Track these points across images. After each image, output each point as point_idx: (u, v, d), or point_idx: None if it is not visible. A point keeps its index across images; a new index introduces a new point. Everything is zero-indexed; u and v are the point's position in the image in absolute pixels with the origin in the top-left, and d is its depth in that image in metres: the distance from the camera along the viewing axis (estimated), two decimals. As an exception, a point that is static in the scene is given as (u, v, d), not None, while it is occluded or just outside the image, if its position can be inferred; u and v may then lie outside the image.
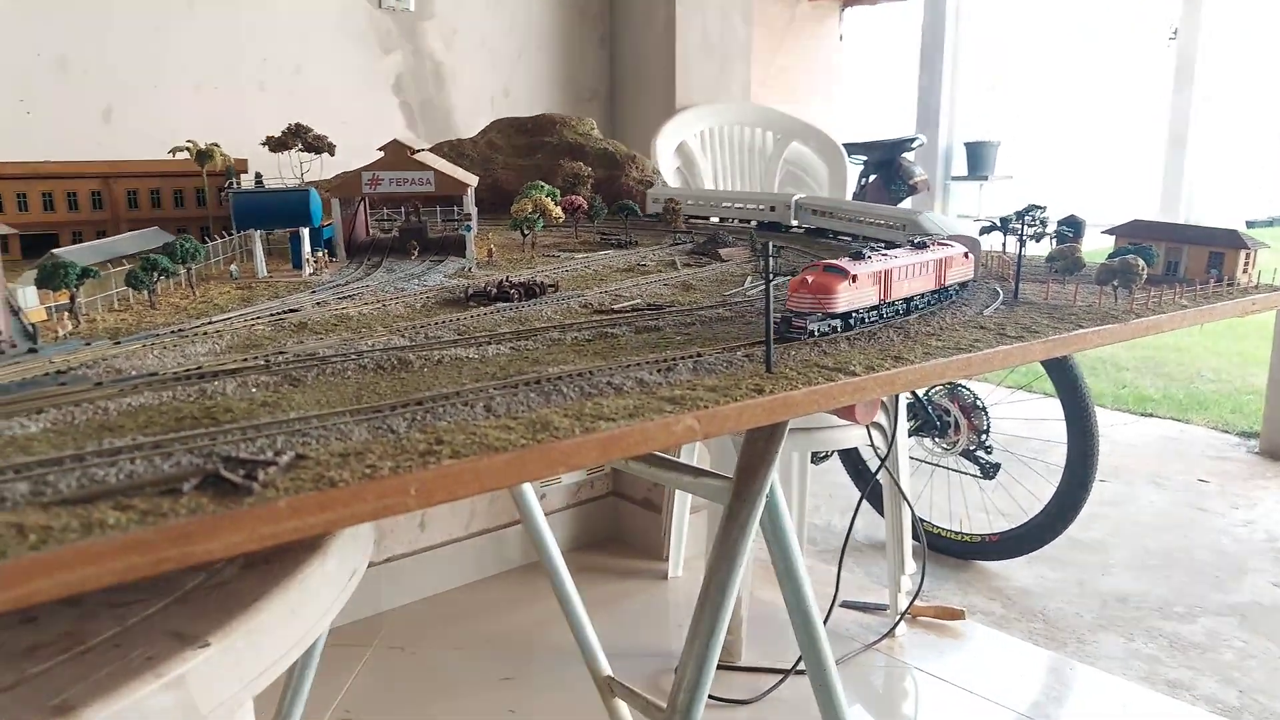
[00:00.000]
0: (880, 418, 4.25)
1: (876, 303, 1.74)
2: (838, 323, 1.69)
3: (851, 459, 5.75)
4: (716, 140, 4.91)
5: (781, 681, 4.20)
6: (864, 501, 4.70)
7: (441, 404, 1.27)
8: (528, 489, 3.58)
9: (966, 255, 2.02)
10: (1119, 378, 9.32)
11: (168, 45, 3.98)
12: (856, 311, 1.72)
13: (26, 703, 1.15)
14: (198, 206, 2.76)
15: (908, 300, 1.85)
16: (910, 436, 5.18)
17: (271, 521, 0.97)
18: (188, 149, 2.59)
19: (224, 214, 2.77)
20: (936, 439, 5.30)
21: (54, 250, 1.90)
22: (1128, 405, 8.46)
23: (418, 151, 2.66)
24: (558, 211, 2.73)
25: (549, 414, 1.26)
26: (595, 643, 3.81)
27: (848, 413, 1.96)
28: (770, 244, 1.47)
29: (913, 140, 6.34)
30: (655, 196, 3.22)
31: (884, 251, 1.87)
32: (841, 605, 4.83)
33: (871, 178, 6.34)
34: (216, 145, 2.63)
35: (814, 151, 4.97)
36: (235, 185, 2.58)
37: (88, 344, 1.58)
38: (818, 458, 6.10)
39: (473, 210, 2.70)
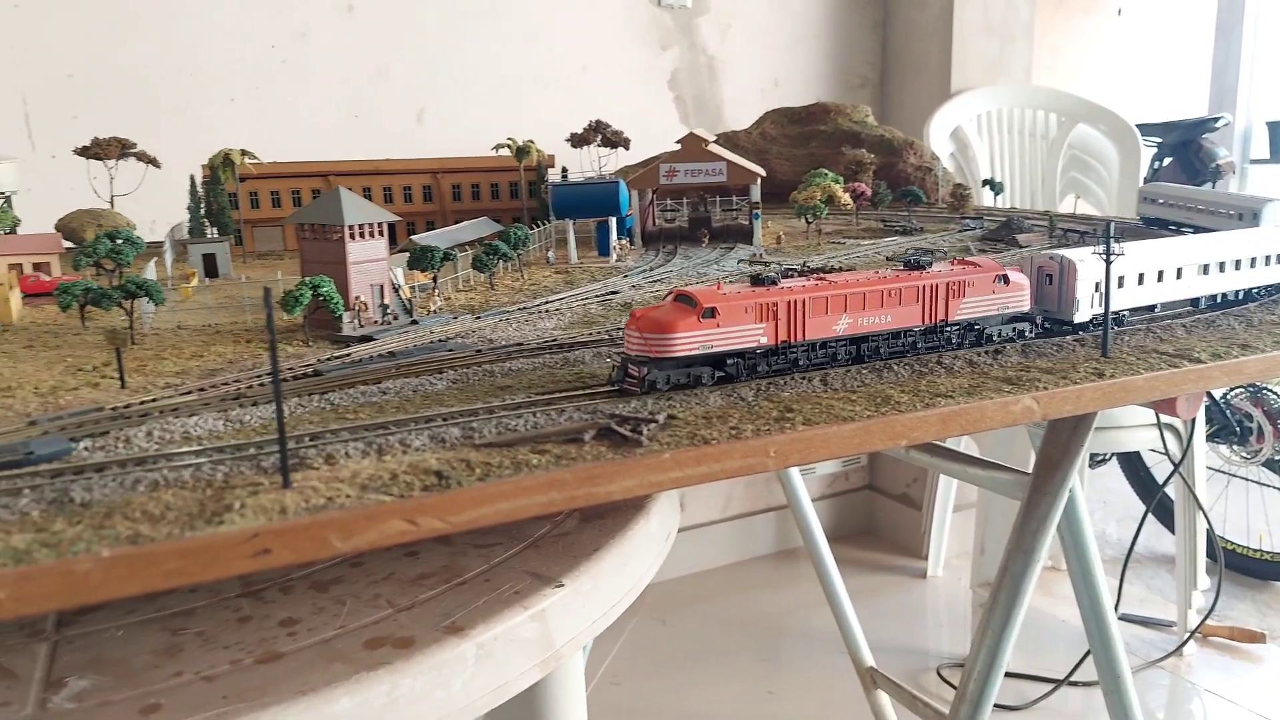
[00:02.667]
0: (1175, 421, 3.95)
1: (770, 344, 1.32)
2: (704, 371, 1.30)
3: (1132, 463, 5.37)
4: (994, 124, 4.73)
5: (1053, 691, 4.02)
6: (1149, 511, 4.38)
7: (780, 377, 1.35)
8: (795, 474, 3.64)
9: (1005, 280, 1.51)
10: None
11: (471, 51, 4.35)
12: (742, 356, 1.31)
13: (423, 621, 1.34)
14: (511, 199, 3.02)
15: (857, 341, 1.40)
16: (1206, 442, 4.77)
17: (658, 471, 1.09)
18: (508, 146, 2.84)
19: (535, 205, 3.01)
20: (1235, 446, 4.85)
21: (412, 237, 2.16)
22: None
23: (709, 144, 2.78)
24: (847, 199, 2.76)
25: (886, 389, 1.30)
26: (859, 633, 3.81)
27: (1169, 406, 1.85)
28: (1111, 224, 1.44)
29: (1216, 120, 5.80)
30: (1149, 194, 2.82)
31: (824, 275, 1.42)
32: (1120, 618, 4.53)
33: (1166, 161, 5.86)
34: (532, 142, 2.86)
35: (1103, 134, 4.68)
36: (546, 179, 2.81)
37: (455, 318, 1.79)
38: (1095, 460, 5.74)
39: (759, 199, 2.78)
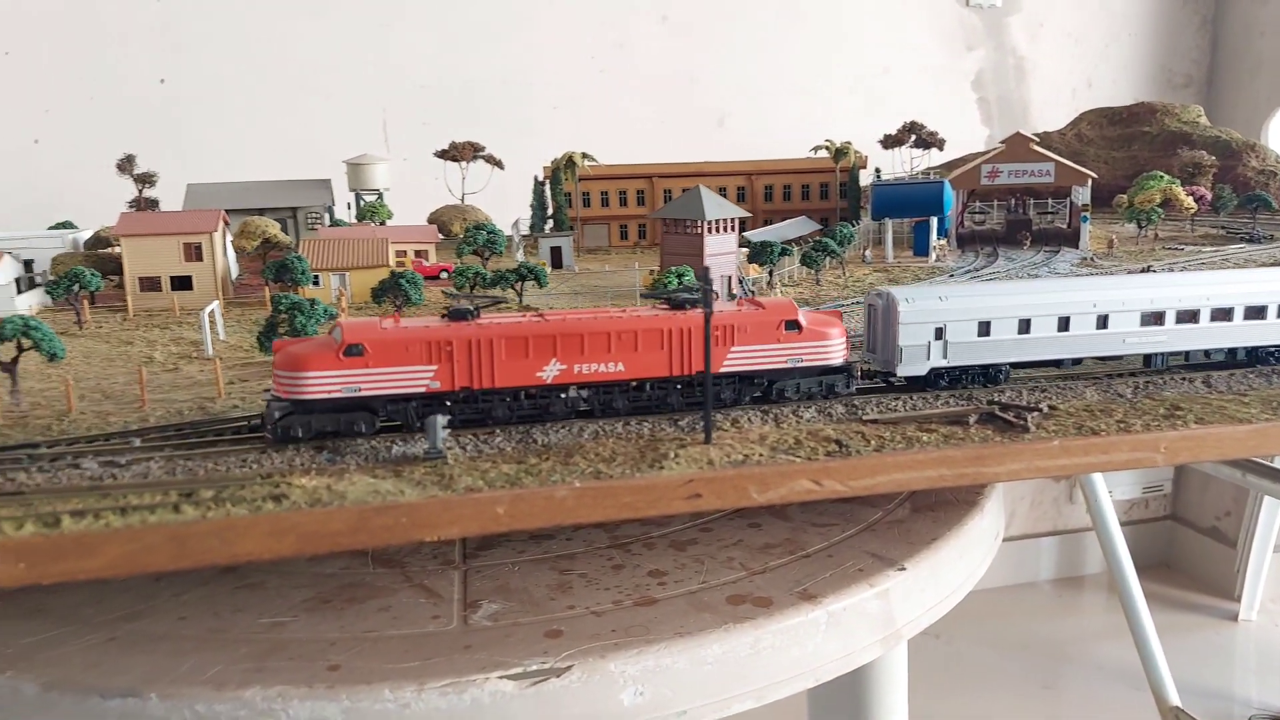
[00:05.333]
0: None
1: (444, 390, 1.14)
2: (361, 418, 1.11)
3: None
4: (1349, 125, 4.24)
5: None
6: None
7: (1161, 376, 1.33)
8: (1103, 495, 3.45)
9: (793, 327, 1.25)
10: None
11: (774, 56, 4.47)
12: (409, 402, 1.12)
13: (777, 585, 1.45)
14: (820, 199, 3.09)
15: (583, 388, 1.20)
16: None
17: (1045, 457, 1.12)
18: (826, 147, 2.92)
19: (844, 205, 3.07)
20: None
21: (746, 234, 2.28)
22: None
23: (1036, 144, 2.72)
24: (1190, 202, 2.60)
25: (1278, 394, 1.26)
26: (1164, 669, 3.57)
27: None
28: None
29: None
30: None
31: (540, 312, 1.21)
32: None
33: None
34: (849, 143, 2.92)
35: None
36: (859, 180, 2.86)
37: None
38: None
39: (1088, 201, 2.69)
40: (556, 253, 2.60)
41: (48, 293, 1.93)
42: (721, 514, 1.62)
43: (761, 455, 1.06)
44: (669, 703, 1.32)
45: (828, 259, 2.18)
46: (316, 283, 2.01)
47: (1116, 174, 3.61)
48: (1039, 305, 1.38)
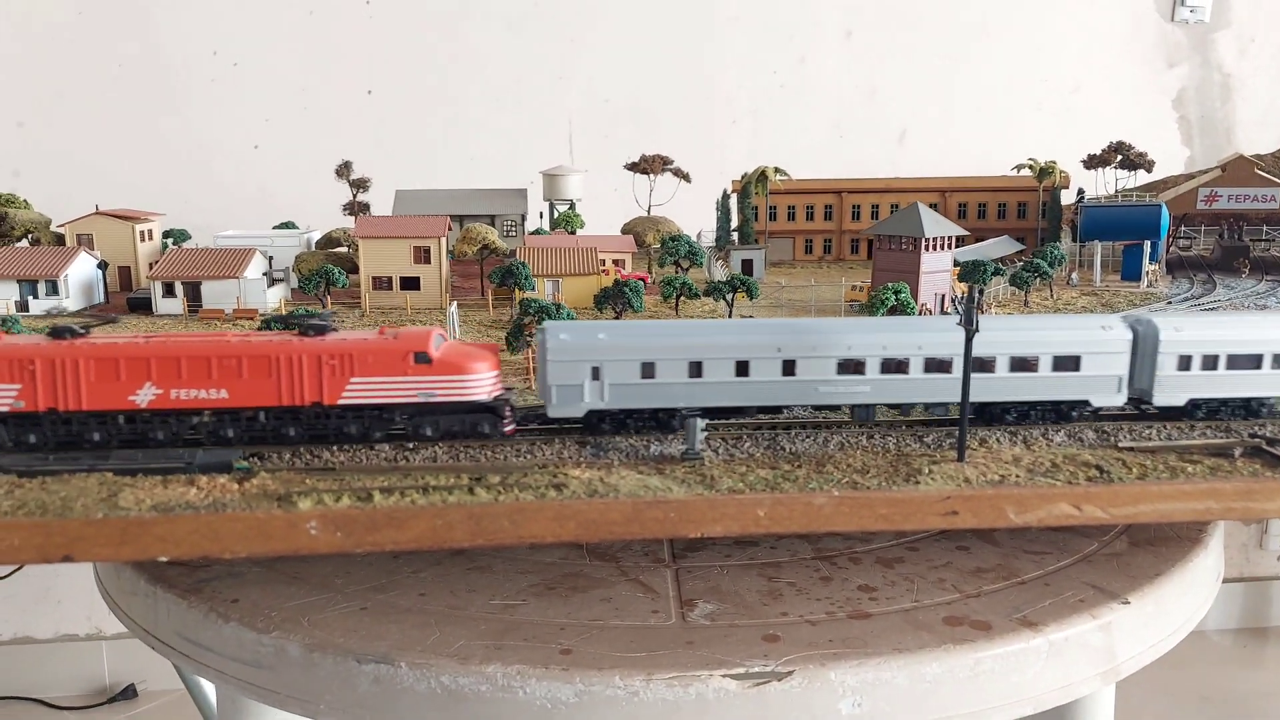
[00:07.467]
0: None
1: (30, 410, 1.09)
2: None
3: None
4: None
5: None
6: None
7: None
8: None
9: (422, 359, 1.16)
10: None
11: (961, 71, 4.38)
12: (4, 422, 1.11)
13: (994, 610, 1.43)
14: (1017, 218, 3.02)
15: (186, 417, 1.13)
16: None
17: (1325, 497, 1.08)
18: (1029, 166, 2.85)
19: (1045, 225, 2.98)
20: None
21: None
22: None
23: (1260, 167, 2.58)
24: None
25: None
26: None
27: None
28: None
29: None
30: None
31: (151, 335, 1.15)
32: None
33: None
34: (1054, 163, 2.85)
35: None
36: (1061, 200, 2.78)
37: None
38: None
39: (1317, 230, 2.53)
40: (748, 265, 2.64)
41: (300, 287, 2.12)
42: (927, 534, 1.61)
43: (1018, 476, 1.07)
44: (886, 716, 1.33)
45: (1037, 280, 2.14)
46: (532, 288, 2.11)
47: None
48: (711, 347, 1.29)
